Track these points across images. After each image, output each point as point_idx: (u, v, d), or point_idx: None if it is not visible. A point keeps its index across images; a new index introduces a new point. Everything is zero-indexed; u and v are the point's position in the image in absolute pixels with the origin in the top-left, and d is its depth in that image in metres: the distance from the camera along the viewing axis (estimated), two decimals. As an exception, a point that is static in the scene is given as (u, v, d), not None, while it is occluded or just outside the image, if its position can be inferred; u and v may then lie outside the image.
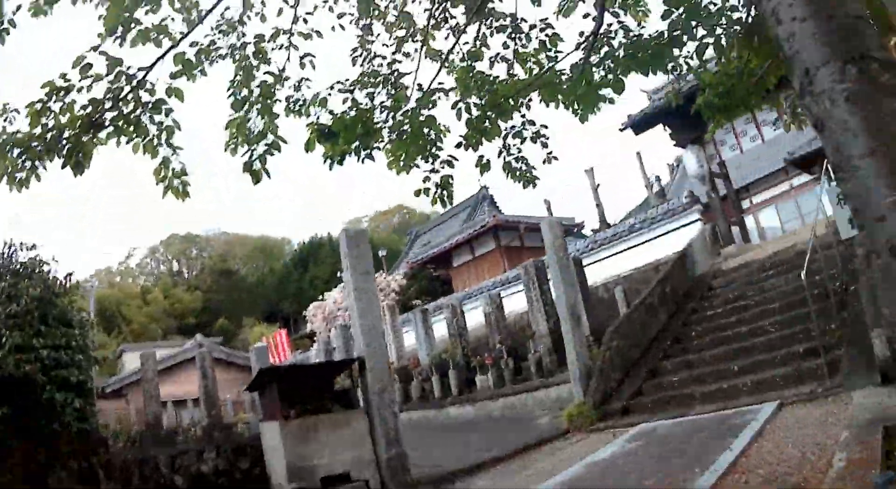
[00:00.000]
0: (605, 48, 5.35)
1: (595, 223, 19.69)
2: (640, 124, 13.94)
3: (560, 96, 5.47)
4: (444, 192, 5.36)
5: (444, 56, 5.76)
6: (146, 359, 13.61)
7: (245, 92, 5.10)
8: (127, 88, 4.32)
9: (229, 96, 5.13)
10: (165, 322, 55.17)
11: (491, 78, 5.60)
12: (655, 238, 14.04)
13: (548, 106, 5.56)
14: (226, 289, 64.72)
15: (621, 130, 14.15)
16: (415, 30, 5.82)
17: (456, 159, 5.39)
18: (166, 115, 4.48)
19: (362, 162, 5.21)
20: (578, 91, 5.35)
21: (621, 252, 14.57)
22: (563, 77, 5.48)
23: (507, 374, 13.25)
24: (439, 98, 5.51)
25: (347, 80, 5.54)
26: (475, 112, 5.46)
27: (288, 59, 5.36)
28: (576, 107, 5.47)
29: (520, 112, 5.64)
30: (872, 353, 5.60)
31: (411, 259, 23.98)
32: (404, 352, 17.18)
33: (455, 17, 5.87)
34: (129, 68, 4.31)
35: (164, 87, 4.41)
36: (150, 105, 4.40)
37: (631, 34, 5.33)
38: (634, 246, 14.35)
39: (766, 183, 22.63)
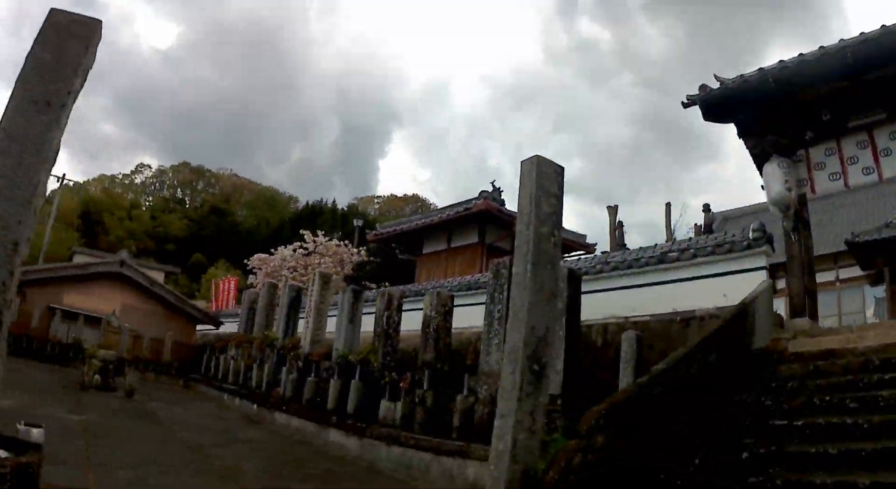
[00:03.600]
0: None
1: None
2: (713, 105, 9.30)
3: None
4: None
5: None
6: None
7: None
8: None
9: None
10: (144, 242, 54.42)
11: None
12: (693, 279, 9.41)
13: None
14: (216, 227, 63.09)
15: (685, 106, 9.51)
16: None
17: None
18: None
19: None
20: None
21: (638, 287, 9.96)
22: None
23: (421, 414, 8.94)
24: None
25: None
26: None
27: None
28: None
29: None
30: None
31: (376, 231, 19.57)
32: (322, 336, 13.33)
33: None
34: None
35: None
36: None
37: None
38: (660, 283, 9.74)
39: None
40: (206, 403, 15.43)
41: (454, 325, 10.39)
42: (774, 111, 9.48)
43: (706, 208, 18.35)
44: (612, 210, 24.70)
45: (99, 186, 64.10)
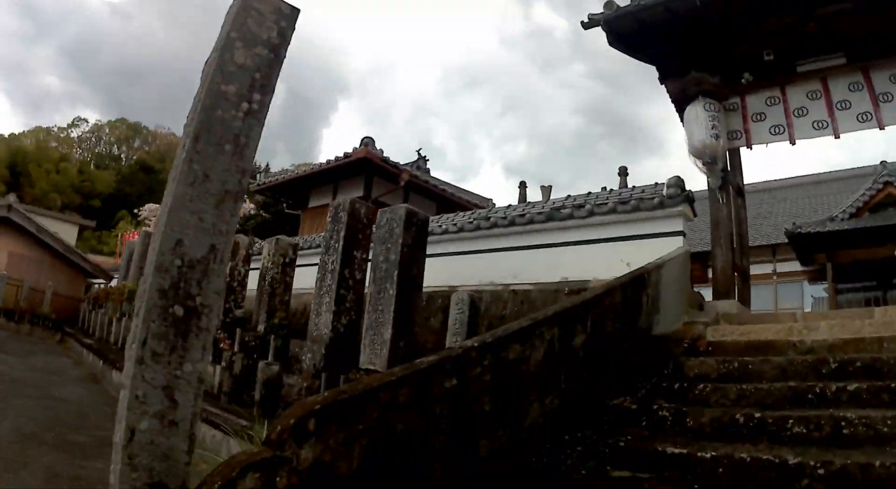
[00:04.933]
0: None
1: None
2: (622, 29, 7.07)
3: None
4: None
5: None
6: None
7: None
8: None
9: None
10: (70, 196, 52.48)
11: None
12: (589, 243, 7.33)
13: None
14: (144, 185, 60.22)
15: (585, 27, 7.32)
16: None
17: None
18: None
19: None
20: None
21: (522, 249, 7.82)
22: None
23: (228, 383, 6.97)
24: None
25: None
26: None
27: None
28: None
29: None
30: None
31: (261, 181, 17.13)
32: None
33: None
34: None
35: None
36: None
37: None
38: (548, 245, 7.61)
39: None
40: (61, 358, 13.78)
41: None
42: (703, 44, 7.51)
43: (622, 171, 16.27)
44: (546, 190, 22.83)
45: (35, 139, 60.71)
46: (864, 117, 7.21)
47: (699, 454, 3.14)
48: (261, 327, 8.32)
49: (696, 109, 7.35)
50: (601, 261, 7.03)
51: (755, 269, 18.48)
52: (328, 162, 15.03)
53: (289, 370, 7.30)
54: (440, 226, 8.77)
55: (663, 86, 8.02)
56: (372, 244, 6.92)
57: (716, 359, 4.46)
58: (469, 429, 3.18)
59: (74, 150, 66.26)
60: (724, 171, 7.49)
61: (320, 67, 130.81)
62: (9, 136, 42.51)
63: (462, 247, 8.54)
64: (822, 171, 22.78)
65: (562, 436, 3.65)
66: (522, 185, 18.78)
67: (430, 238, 9.12)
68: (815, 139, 7.89)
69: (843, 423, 3.15)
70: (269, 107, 2.72)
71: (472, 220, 8.36)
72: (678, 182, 6.95)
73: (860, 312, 5.28)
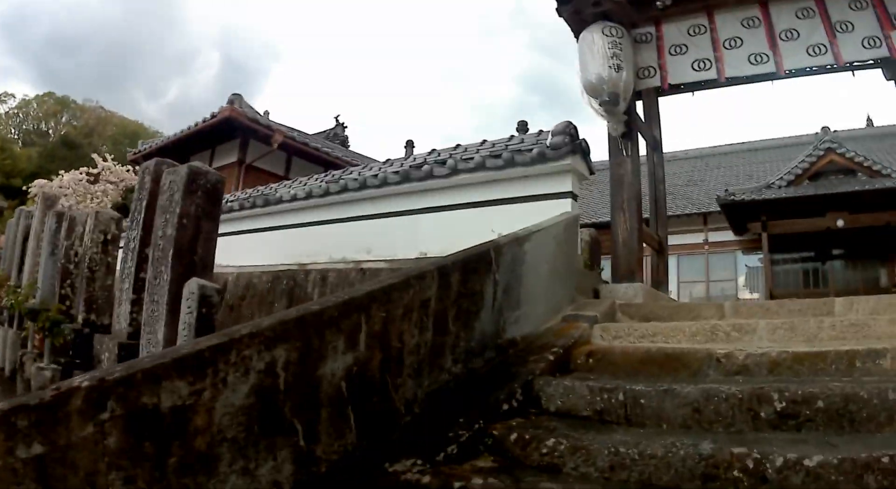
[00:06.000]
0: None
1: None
2: None
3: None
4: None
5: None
6: None
7: None
8: None
9: None
10: None
11: None
12: (452, 208, 5.63)
13: None
14: (66, 162, 56.47)
15: None
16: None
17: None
18: None
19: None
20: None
21: (376, 217, 6.08)
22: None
23: None
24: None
25: None
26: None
27: None
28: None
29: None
30: None
31: (137, 149, 15.02)
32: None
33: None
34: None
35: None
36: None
37: None
38: (405, 212, 5.89)
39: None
40: None
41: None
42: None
43: (521, 127, 14.50)
44: (409, 145, 21.16)
45: None
46: (817, 50, 5.66)
47: None
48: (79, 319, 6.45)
49: (591, 35, 5.64)
50: (469, 233, 5.32)
51: (686, 239, 17.50)
52: (196, 124, 12.95)
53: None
54: (290, 191, 6.98)
55: (561, 18, 6.30)
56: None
57: (591, 385, 2.75)
58: None
59: (8, 128, 62.76)
60: (630, 115, 5.89)
61: (254, 36, 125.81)
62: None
63: (313, 216, 6.76)
64: (758, 139, 21.72)
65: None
66: (409, 145, 16.84)
67: (278, 207, 7.32)
68: (754, 85, 6.39)
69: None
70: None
71: (322, 182, 6.57)
72: (566, 128, 5.26)
73: (814, 306, 3.68)
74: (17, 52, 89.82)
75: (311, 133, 18.53)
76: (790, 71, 5.77)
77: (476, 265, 3.32)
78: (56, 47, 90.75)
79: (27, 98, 67.37)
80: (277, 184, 8.28)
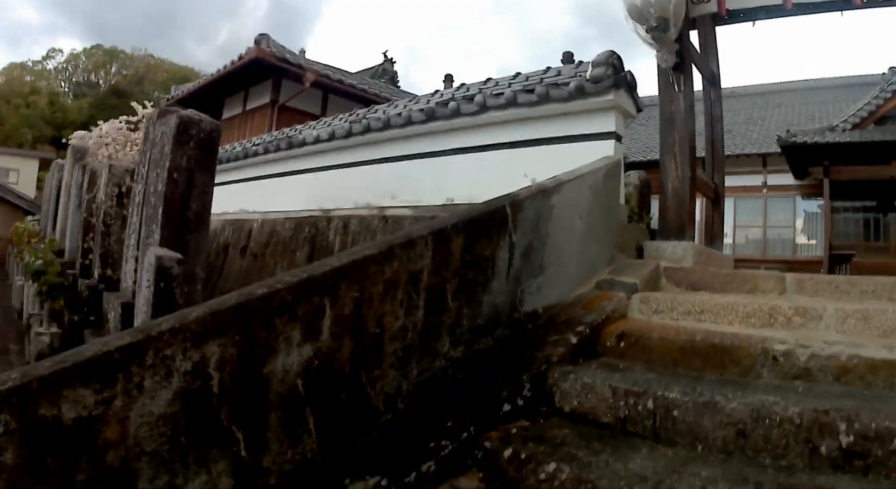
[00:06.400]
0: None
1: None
2: None
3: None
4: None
5: None
6: None
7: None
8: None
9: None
10: (42, 129, 50.43)
11: None
12: (483, 149, 5.16)
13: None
14: (117, 110, 57.32)
15: None
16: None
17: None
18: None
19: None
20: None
21: (402, 160, 5.67)
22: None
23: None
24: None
25: None
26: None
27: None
28: None
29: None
30: None
31: (171, 95, 14.81)
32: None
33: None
34: None
35: None
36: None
37: None
38: (432, 154, 5.45)
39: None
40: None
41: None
42: None
43: (566, 58, 13.60)
44: (449, 80, 20.26)
45: (9, 76, 58.54)
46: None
47: None
48: (95, 274, 6.32)
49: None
50: (500, 177, 4.87)
51: (744, 181, 16.55)
52: (225, 66, 12.60)
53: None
54: (313, 133, 6.60)
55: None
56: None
57: (616, 386, 2.24)
58: None
59: (52, 82, 64.31)
60: (682, 44, 5.23)
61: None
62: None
63: (336, 158, 6.38)
64: (821, 77, 20.13)
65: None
66: (448, 79, 16.04)
67: (302, 150, 6.96)
68: (821, 17, 5.58)
69: None
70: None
71: (347, 122, 6.17)
72: (608, 58, 4.67)
73: (891, 287, 3.08)
74: (64, 8, 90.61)
75: (358, 71, 17.98)
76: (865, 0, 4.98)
77: (486, 226, 2.84)
78: (102, 1, 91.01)
79: (75, 51, 68.62)
80: (306, 124, 7.94)
